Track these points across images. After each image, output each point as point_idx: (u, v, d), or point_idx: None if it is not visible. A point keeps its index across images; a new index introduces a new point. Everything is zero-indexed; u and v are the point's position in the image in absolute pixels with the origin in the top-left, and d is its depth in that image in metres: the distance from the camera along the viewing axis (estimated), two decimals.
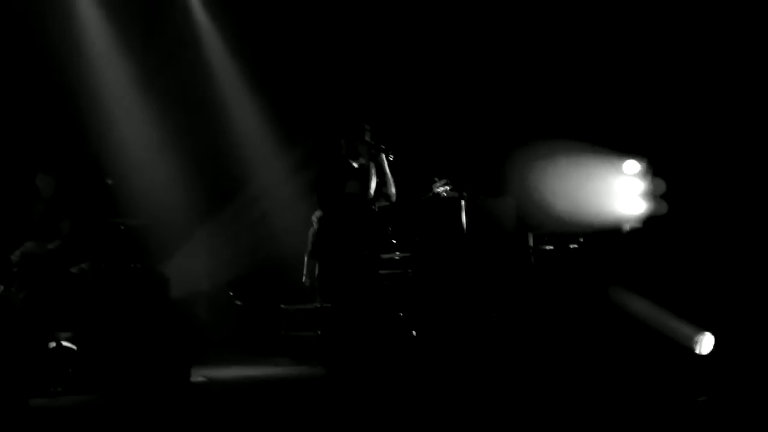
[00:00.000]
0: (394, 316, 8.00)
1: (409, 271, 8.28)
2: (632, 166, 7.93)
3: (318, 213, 7.98)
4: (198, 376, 7.58)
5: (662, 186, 7.84)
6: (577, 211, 7.73)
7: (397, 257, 8.38)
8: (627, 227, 7.70)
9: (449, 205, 7.32)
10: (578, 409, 5.49)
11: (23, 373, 6.49)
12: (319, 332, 8.69)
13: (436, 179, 6.56)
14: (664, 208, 7.75)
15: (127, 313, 7.68)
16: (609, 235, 7.64)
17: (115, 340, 7.07)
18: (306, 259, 8.59)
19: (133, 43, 9.89)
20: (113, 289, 7.77)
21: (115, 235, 7.91)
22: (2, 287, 7.00)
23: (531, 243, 7.95)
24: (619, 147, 8.00)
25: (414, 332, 7.74)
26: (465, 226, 7.27)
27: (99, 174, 8.26)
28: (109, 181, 7.88)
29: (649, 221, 7.80)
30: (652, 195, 7.85)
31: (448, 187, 6.52)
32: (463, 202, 7.24)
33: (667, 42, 8.31)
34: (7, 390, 6.28)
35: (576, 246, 7.65)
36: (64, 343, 7.01)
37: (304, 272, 8.61)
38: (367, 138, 6.28)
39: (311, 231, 8.44)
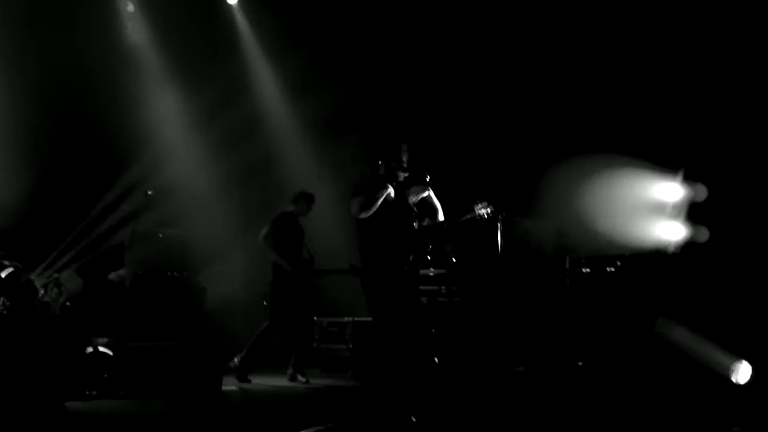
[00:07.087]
0: (427, 332, 8.01)
1: (443, 288, 8.29)
2: (673, 190, 7.82)
3: None
4: (229, 384, 7.64)
5: (703, 192, 7.70)
6: (616, 232, 7.63)
7: (431, 273, 8.39)
8: (671, 250, 7.59)
9: (486, 225, 7.31)
10: None
11: (61, 377, 6.59)
12: (351, 346, 8.73)
13: (478, 201, 6.54)
14: (704, 234, 7.63)
15: (162, 320, 7.78)
16: (647, 259, 7.52)
17: (150, 347, 7.16)
18: None
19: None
20: (150, 297, 7.88)
21: (153, 244, 8.02)
22: (43, 292, 7.14)
23: (567, 265, 7.91)
24: (658, 157, 7.85)
25: (436, 359, 7.72)
26: (501, 246, 7.26)
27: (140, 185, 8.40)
28: (150, 192, 7.98)
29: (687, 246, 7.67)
30: (692, 210, 7.72)
31: (489, 209, 6.50)
32: (499, 223, 7.25)
33: (704, 49, 8.17)
34: (45, 393, 6.39)
35: (613, 269, 7.59)
36: (101, 349, 7.13)
37: None
38: (404, 158, 6.29)
39: None
